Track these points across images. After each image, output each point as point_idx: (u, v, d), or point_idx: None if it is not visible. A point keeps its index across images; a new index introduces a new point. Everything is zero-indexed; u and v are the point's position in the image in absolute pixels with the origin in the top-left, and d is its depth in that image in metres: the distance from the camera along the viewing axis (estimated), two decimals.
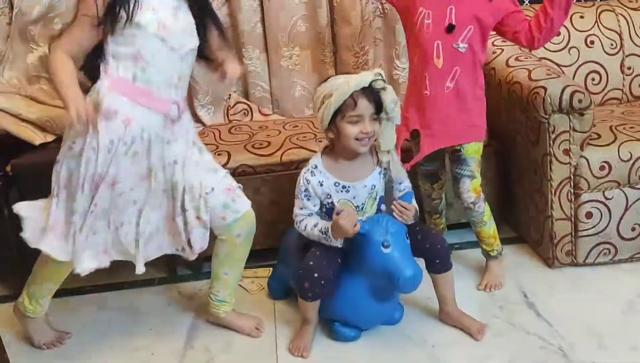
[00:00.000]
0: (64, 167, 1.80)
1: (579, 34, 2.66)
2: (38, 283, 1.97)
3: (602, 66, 2.65)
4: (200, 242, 1.92)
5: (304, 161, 2.08)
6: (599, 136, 2.24)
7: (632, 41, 2.67)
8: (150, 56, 1.74)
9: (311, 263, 1.88)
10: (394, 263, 1.80)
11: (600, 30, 2.67)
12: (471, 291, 2.22)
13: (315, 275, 1.87)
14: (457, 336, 1.98)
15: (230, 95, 2.81)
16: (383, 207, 1.99)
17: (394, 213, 1.89)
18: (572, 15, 2.66)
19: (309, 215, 1.94)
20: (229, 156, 2.37)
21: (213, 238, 1.98)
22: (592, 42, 2.64)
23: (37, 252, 2.31)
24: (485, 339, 1.96)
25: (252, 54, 2.74)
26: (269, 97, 2.83)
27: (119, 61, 1.75)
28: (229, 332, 2.09)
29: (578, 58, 2.63)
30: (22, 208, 1.88)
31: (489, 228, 2.23)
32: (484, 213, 2.20)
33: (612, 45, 2.66)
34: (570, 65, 2.63)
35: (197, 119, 2.68)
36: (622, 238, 2.26)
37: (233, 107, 2.81)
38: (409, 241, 1.87)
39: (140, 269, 1.90)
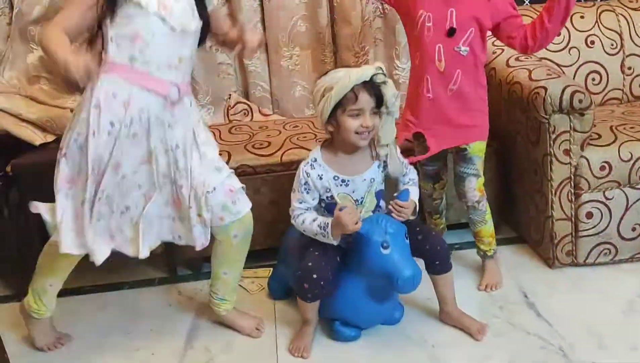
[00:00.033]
0: (70, 160, 1.79)
1: (579, 34, 2.66)
2: (41, 279, 1.96)
3: (602, 66, 2.65)
4: (200, 239, 1.90)
5: None
6: (600, 136, 2.24)
7: (633, 41, 2.67)
8: (150, 36, 1.72)
9: (310, 264, 1.88)
10: (393, 264, 1.80)
11: (600, 31, 2.67)
12: (471, 291, 2.22)
13: (314, 276, 1.86)
14: (457, 336, 1.98)
15: (230, 95, 2.81)
16: (382, 203, 1.99)
17: (392, 213, 1.89)
18: (572, 15, 2.66)
19: (306, 209, 1.93)
20: (229, 156, 2.37)
21: (213, 237, 1.98)
22: (593, 42, 2.64)
23: (37, 252, 2.32)
24: (485, 339, 1.96)
25: None
26: (269, 97, 2.83)
27: (117, 43, 1.74)
28: (229, 332, 2.09)
29: (578, 58, 2.63)
30: (40, 209, 1.89)
31: (489, 227, 2.24)
32: (486, 212, 2.20)
33: (612, 45, 2.65)
34: (571, 65, 2.63)
35: None
36: (623, 238, 2.26)
37: (233, 107, 2.81)
38: (408, 241, 1.87)
39: (144, 253, 1.87)
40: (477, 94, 2.09)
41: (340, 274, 1.92)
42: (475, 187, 2.15)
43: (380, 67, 1.86)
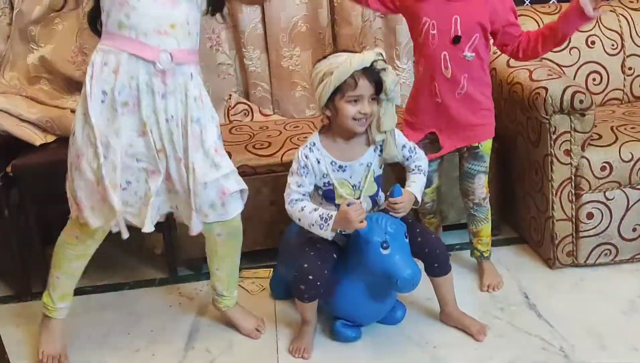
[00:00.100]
0: (77, 134, 1.78)
1: (579, 35, 2.65)
2: (51, 270, 1.95)
3: (603, 66, 2.65)
4: (196, 224, 1.87)
5: None
6: (600, 137, 2.24)
7: (633, 41, 2.66)
8: (136, 1, 1.70)
9: (305, 265, 1.87)
10: (393, 264, 1.80)
11: (601, 31, 2.66)
12: (472, 292, 2.22)
13: (310, 277, 1.85)
14: (458, 337, 1.98)
15: (230, 95, 2.81)
16: (381, 194, 1.98)
17: (390, 212, 1.88)
18: None
19: (304, 195, 1.90)
20: (230, 156, 2.35)
21: None
22: (593, 43, 2.63)
23: (37, 252, 2.33)
24: (486, 340, 1.96)
25: (252, 54, 2.74)
26: (270, 97, 2.83)
27: (108, 11, 1.73)
28: (229, 332, 2.09)
29: (579, 58, 2.63)
30: None
31: (489, 226, 2.25)
32: (489, 210, 2.21)
33: (613, 45, 2.65)
34: (571, 65, 2.62)
35: None
36: (623, 238, 2.26)
37: (233, 107, 2.81)
38: (407, 239, 1.87)
39: (148, 227, 1.83)
40: (484, 95, 2.09)
41: (339, 273, 1.91)
42: (483, 184, 2.16)
43: (381, 54, 1.84)
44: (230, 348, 2.03)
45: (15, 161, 2.25)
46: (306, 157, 1.90)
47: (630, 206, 2.23)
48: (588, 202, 2.22)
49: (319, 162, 1.90)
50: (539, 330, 1.99)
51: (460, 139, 2.10)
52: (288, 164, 2.33)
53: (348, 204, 1.80)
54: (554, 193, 2.22)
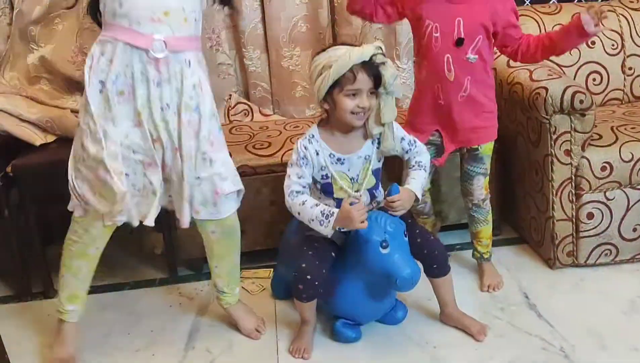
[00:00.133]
0: (82, 125, 1.77)
1: None
2: (61, 272, 1.93)
3: (603, 66, 2.64)
4: (186, 216, 1.85)
5: None
6: (600, 137, 2.24)
7: (633, 41, 2.66)
8: None
9: (303, 265, 1.87)
10: (392, 263, 1.79)
11: (601, 31, 2.66)
12: (472, 292, 2.21)
13: (308, 276, 1.85)
14: (458, 337, 1.98)
15: (230, 95, 2.81)
16: (381, 189, 1.98)
17: (389, 211, 1.88)
18: (573, 16, 2.62)
19: (304, 187, 1.89)
20: (230, 156, 2.37)
21: None
22: (593, 43, 2.63)
23: (37, 252, 2.32)
24: (486, 340, 1.95)
25: (252, 54, 2.74)
26: (270, 97, 2.83)
27: (104, 1, 1.72)
28: (230, 333, 2.09)
29: (579, 58, 2.62)
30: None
31: (489, 228, 2.25)
32: (489, 211, 2.21)
33: (613, 45, 2.65)
34: (571, 65, 2.62)
35: None
36: (624, 238, 2.26)
37: (234, 107, 2.81)
38: (407, 238, 1.86)
39: (150, 220, 1.83)
40: (487, 97, 2.08)
41: (338, 272, 1.91)
42: (483, 185, 2.16)
43: (380, 47, 1.83)
44: (231, 348, 2.03)
45: (15, 161, 2.25)
46: (305, 148, 1.89)
47: (630, 206, 2.23)
48: (588, 202, 2.22)
49: (317, 154, 1.89)
50: (539, 330, 1.99)
51: (460, 140, 2.10)
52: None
53: (351, 204, 1.80)
54: (554, 193, 2.22)
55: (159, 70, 1.72)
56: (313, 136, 1.91)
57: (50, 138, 2.36)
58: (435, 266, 1.95)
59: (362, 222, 1.79)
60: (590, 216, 2.23)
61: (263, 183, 2.37)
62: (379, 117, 1.88)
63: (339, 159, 1.90)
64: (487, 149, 2.13)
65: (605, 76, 2.66)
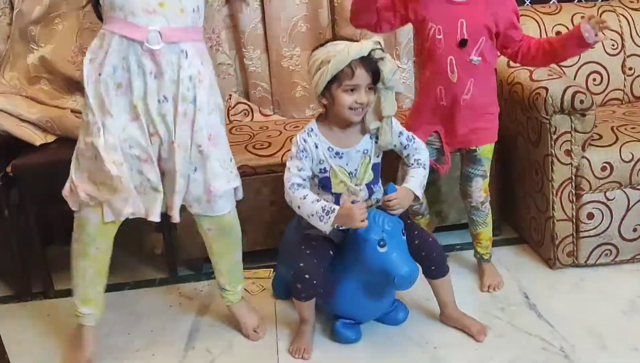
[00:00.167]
0: (84, 121, 1.77)
1: None
2: (72, 274, 1.92)
3: (603, 66, 2.64)
4: (177, 209, 1.82)
5: None
6: (601, 137, 2.24)
7: (634, 41, 2.66)
8: None
9: (302, 264, 1.86)
10: (390, 262, 1.79)
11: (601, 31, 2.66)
12: (472, 292, 2.21)
13: (307, 276, 1.85)
14: (458, 337, 1.98)
15: (230, 95, 2.81)
16: (380, 186, 1.97)
17: (387, 210, 1.88)
18: (573, 16, 2.66)
19: (303, 180, 1.89)
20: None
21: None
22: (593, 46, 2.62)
23: (37, 252, 2.32)
24: (486, 340, 1.95)
25: (252, 54, 2.74)
26: (270, 97, 2.83)
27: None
28: (230, 333, 2.09)
29: (579, 59, 2.62)
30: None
31: (489, 230, 2.25)
32: (488, 214, 2.21)
33: (613, 45, 2.65)
34: (572, 65, 2.62)
35: None
36: (624, 239, 2.26)
37: (234, 107, 2.80)
38: (405, 237, 1.86)
39: (155, 217, 1.80)
40: (490, 99, 2.09)
41: (337, 271, 1.91)
42: (481, 188, 2.16)
43: (379, 42, 1.82)
44: (231, 348, 2.03)
45: (15, 161, 2.25)
46: (304, 141, 1.89)
47: (630, 206, 2.23)
48: (588, 202, 2.21)
49: (317, 147, 1.89)
50: (539, 330, 1.99)
51: (460, 141, 2.10)
52: None
53: (352, 202, 1.80)
54: (555, 193, 2.22)
55: (155, 61, 1.70)
56: (312, 129, 1.91)
57: (50, 138, 2.36)
58: (434, 268, 1.95)
59: (363, 221, 1.78)
60: (590, 216, 2.23)
61: (263, 183, 2.37)
62: (378, 112, 1.88)
63: (337, 153, 1.90)
64: (485, 151, 2.12)
65: (606, 76, 2.65)
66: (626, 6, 2.73)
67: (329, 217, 1.81)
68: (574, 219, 2.24)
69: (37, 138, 2.33)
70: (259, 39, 2.73)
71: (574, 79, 2.58)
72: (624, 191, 2.22)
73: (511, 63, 2.40)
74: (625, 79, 2.67)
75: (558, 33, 2.60)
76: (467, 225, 2.30)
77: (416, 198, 1.92)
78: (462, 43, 1.96)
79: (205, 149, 1.79)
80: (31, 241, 2.30)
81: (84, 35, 2.46)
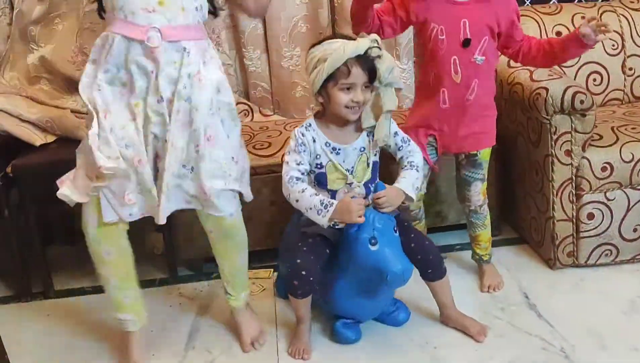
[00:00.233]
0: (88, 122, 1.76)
1: None
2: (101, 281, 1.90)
3: (603, 66, 2.64)
4: (163, 210, 1.78)
5: None
6: (601, 137, 2.24)
7: (634, 42, 2.66)
8: None
9: (298, 261, 1.86)
10: (382, 259, 1.79)
11: None
12: (472, 292, 2.21)
13: (303, 272, 1.85)
14: (458, 337, 1.98)
15: None
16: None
17: (377, 208, 1.87)
18: (573, 16, 2.66)
19: (302, 174, 1.88)
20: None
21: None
22: (593, 46, 2.62)
23: (37, 252, 2.32)
24: (486, 340, 1.95)
25: (252, 54, 2.74)
26: (270, 97, 2.83)
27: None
28: (230, 333, 2.08)
29: (579, 59, 2.62)
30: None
31: (488, 231, 2.25)
32: (487, 216, 2.20)
33: (613, 46, 2.65)
34: (572, 66, 2.62)
35: None
36: (624, 239, 2.26)
37: None
38: (397, 234, 1.86)
39: (162, 218, 1.79)
40: (490, 100, 2.08)
41: (333, 271, 1.91)
42: (480, 191, 2.16)
43: (376, 40, 1.82)
44: (231, 348, 2.02)
45: (15, 161, 2.25)
46: (302, 135, 1.89)
47: (630, 206, 2.23)
48: (589, 202, 2.21)
49: (314, 141, 1.89)
50: (540, 330, 1.99)
51: (460, 145, 2.09)
52: None
53: (352, 197, 1.80)
54: (555, 193, 2.22)
55: (155, 60, 1.69)
56: (310, 124, 1.91)
57: (50, 138, 2.36)
58: (431, 271, 1.95)
59: (360, 216, 1.78)
60: (590, 216, 2.23)
61: (263, 183, 2.37)
62: (375, 110, 1.88)
63: (334, 149, 1.89)
64: (485, 154, 2.13)
65: (606, 76, 2.65)
66: (626, 6, 2.73)
67: (327, 211, 1.80)
68: (574, 220, 2.24)
69: (37, 138, 2.33)
70: (259, 39, 2.73)
71: (574, 79, 2.58)
72: (624, 192, 2.22)
73: (511, 63, 2.40)
74: (625, 79, 2.67)
75: (558, 33, 2.60)
76: (466, 225, 2.30)
77: (408, 198, 1.90)
78: (466, 43, 1.96)
79: (201, 149, 1.76)
80: (31, 241, 2.30)
81: (84, 35, 2.46)
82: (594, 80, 2.65)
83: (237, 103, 2.78)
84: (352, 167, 1.91)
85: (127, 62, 1.70)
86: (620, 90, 2.68)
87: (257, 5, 1.90)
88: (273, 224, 2.38)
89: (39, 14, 2.46)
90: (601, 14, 2.68)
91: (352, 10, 1.96)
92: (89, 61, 1.74)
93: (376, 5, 1.96)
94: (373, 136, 1.91)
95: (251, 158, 2.37)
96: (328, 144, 1.89)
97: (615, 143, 2.21)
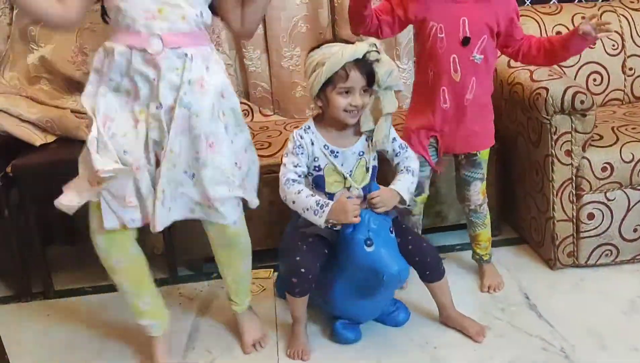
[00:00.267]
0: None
1: None
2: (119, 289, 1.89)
3: (603, 66, 2.65)
4: (158, 216, 1.76)
5: None
6: (601, 137, 2.24)
7: (634, 42, 2.66)
8: None
9: (298, 258, 1.86)
10: (377, 260, 1.78)
11: None
12: (472, 292, 2.21)
13: (302, 270, 1.84)
14: (458, 338, 1.98)
15: None
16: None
17: (372, 209, 1.86)
18: (573, 16, 2.66)
19: (299, 176, 1.88)
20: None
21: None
22: (594, 43, 2.62)
23: (37, 252, 2.32)
24: (487, 341, 1.95)
25: (252, 54, 2.74)
26: (270, 97, 2.83)
27: (108, 7, 1.71)
28: (230, 333, 2.08)
29: (579, 59, 2.62)
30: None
31: (488, 231, 2.25)
32: (486, 215, 2.20)
33: (613, 46, 2.65)
34: (572, 66, 2.62)
35: None
36: (624, 239, 2.26)
37: None
38: (393, 234, 1.85)
39: (159, 226, 1.77)
40: (488, 100, 2.08)
41: (332, 272, 1.91)
42: (480, 190, 2.16)
43: (375, 44, 1.82)
44: (231, 348, 2.02)
45: (15, 161, 2.25)
46: (301, 137, 1.89)
47: (631, 206, 2.23)
48: (589, 203, 2.21)
49: (312, 143, 1.89)
50: (540, 330, 1.99)
51: (461, 146, 2.09)
52: None
53: (348, 197, 1.80)
54: (555, 193, 2.22)
55: (157, 67, 1.68)
56: (309, 127, 1.91)
57: (50, 138, 2.36)
58: (429, 273, 1.95)
59: (356, 216, 1.78)
60: (590, 216, 2.23)
61: (263, 183, 2.34)
62: (374, 113, 1.87)
63: (332, 151, 1.89)
64: (484, 154, 2.13)
65: (606, 77, 2.66)
66: (627, 6, 2.73)
67: (324, 211, 1.81)
68: (574, 220, 2.24)
69: (37, 138, 2.32)
70: (259, 39, 2.73)
71: (575, 79, 2.59)
72: (625, 192, 2.22)
73: (512, 63, 2.40)
74: (625, 79, 2.68)
75: (558, 33, 2.60)
76: (466, 225, 2.30)
77: (402, 201, 1.90)
78: (465, 41, 1.95)
79: (202, 156, 1.74)
80: (31, 241, 2.30)
81: (84, 35, 2.46)
82: (594, 80, 2.65)
83: None
84: (351, 171, 1.91)
85: (129, 70, 1.69)
86: (621, 90, 2.68)
87: (244, 29, 1.88)
88: (273, 224, 2.37)
89: None
90: (601, 14, 2.68)
91: (349, 10, 1.96)
92: (92, 70, 1.74)
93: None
94: (372, 139, 1.91)
95: None
96: (327, 147, 1.89)
97: (615, 143, 2.21)
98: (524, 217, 2.47)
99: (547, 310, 2.08)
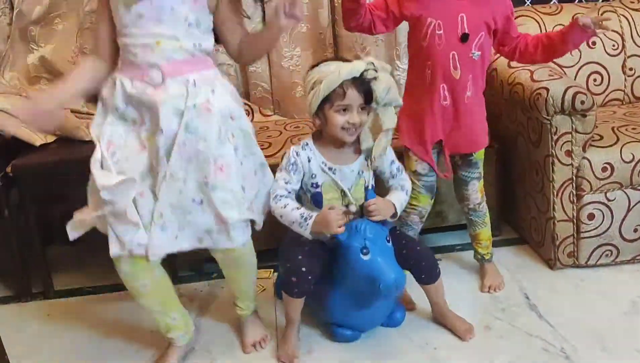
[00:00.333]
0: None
1: None
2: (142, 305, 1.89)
3: (603, 66, 2.64)
4: (155, 239, 1.75)
5: None
6: (601, 138, 2.24)
7: (634, 42, 2.66)
8: (123, 26, 1.69)
9: (299, 257, 1.86)
10: (374, 268, 1.78)
11: None
12: (472, 293, 2.21)
13: (303, 269, 1.84)
14: (458, 338, 1.98)
15: None
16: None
17: (367, 217, 1.87)
18: (573, 16, 2.63)
19: (289, 193, 1.89)
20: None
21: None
22: (594, 43, 2.63)
23: (37, 252, 2.32)
24: (487, 341, 1.95)
25: None
26: (270, 97, 2.83)
27: (119, 44, 1.74)
28: (230, 333, 2.08)
29: (580, 59, 2.62)
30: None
31: (488, 229, 2.25)
32: (486, 214, 2.20)
33: (614, 46, 2.65)
34: (572, 66, 2.62)
35: None
36: (624, 239, 2.26)
37: None
38: (390, 243, 1.85)
39: (151, 257, 1.77)
40: (482, 98, 2.08)
41: (330, 281, 1.90)
42: (477, 189, 2.16)
43: (372, 63, 1.82)
44: (231, 348, 2.02)
45: (15, 161, 2.25)
46: (297, 154, 1.89)
47: (631, 207, 2.23)
48: (589, 203, 2.21)
49: (309, 160, 1.89)
50: (540, 330, 1.99)
51: (462, 145, 2.08)
52: None
53: (330, 208, 1.80)
54: (555, 193, 2.22)
55: (160, 96, 1.68)
56: (307, 144, 1.92)
57: (50, 138, 2.36)
58: (424, 276, 1.96)
59: (340, 227, 1.79)
60: (591, 216, 2.23)
61: None
62: (373, 131, 1.88)
63: (331, 168, 1.90)
64: (480, 153, 2.12)
65: (606, 77, 2.65)
66: (627, 6, 2.73)
67: (307, 224, 1.82)
68: (575, 220, 2.24)
69: (37, 138, 2.32)
70: None
71: (575, 79, 2.58)
72: (625, 192, 2.22)
73: (512, 63, 2.39)
74: (625, 79, 2.68)
75: None
76: (466, 225, 2.30)
77: (393, 215, 1.91)
78: (464, 37, 1.95)
79: (211, 180, 1.72)
80: (31, 241, 2.30)
81: (84, 35, 2.46)
82: (595, 80, 2.65)
83: None
84: (349, 188, 1.91)
85: (132, 100, 1.71)
86: (621, 90, 2.68)
87: (242, 60, 1.92)
88: (273, 225, 2.36)
89: (39, 14, 2.46)
90: (601, 14, 2.68)
91: (343, 5, 1.96)
92: (99, 99, 1.75)
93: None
94: (371, 155, 1.91)
95: None
96: (324, 164, 1.90)
97: (615, 143, 2.21)
98: (524, 217, 2.47)
99: (548, 310, 2.08)
